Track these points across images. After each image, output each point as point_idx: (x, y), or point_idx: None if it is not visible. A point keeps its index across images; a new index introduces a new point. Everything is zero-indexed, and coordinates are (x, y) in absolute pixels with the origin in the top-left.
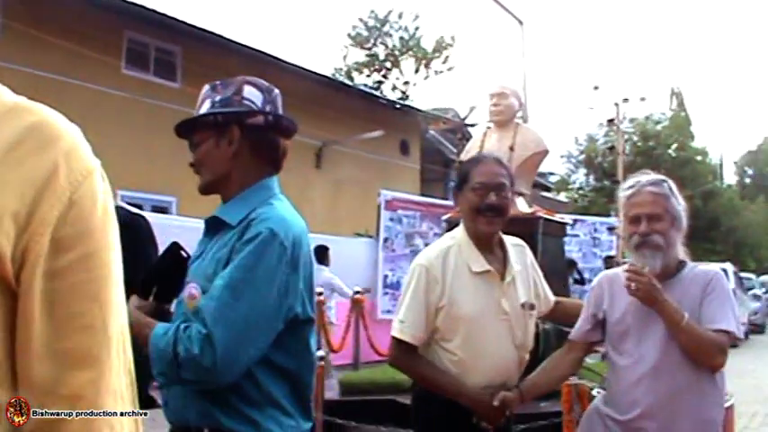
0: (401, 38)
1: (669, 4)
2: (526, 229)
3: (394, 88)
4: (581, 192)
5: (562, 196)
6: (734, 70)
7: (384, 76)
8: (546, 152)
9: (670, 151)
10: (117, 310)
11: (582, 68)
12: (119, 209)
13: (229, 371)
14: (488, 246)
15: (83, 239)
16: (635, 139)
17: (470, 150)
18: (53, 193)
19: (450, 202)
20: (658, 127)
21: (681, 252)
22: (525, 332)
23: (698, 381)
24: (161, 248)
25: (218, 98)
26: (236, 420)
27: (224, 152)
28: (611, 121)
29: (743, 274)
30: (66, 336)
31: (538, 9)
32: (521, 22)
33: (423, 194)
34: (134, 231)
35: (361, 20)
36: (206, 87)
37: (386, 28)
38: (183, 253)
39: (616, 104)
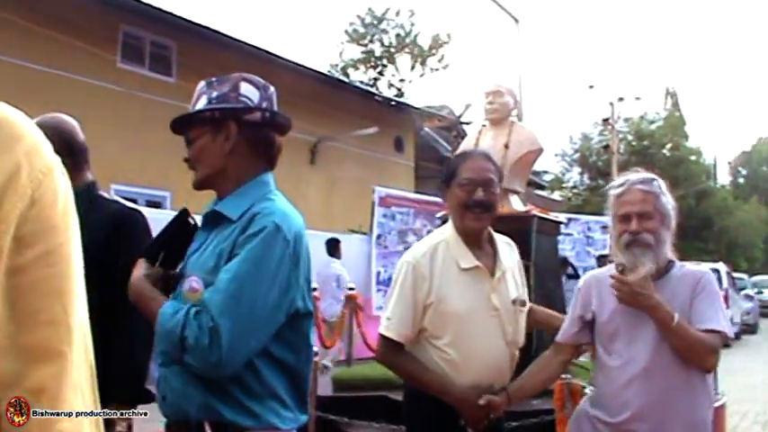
0: (397, 35)
1: (665, 3)
2: (520, 227)
3: (390, 85)
4: (575, 190)
5: (556, 195)
6: (728, 71)
7: (380, 73)
8: (541, 150)
9: (664, 151)
10: (78, 304)
11: (577, 67)
12: (116, 204)
13: (232, 363)
14: (477, 242)
15: (44, 236)
16: (629, 138)
17: (465, 149)
18: (14, 193)
19: None
20: (653, 126)
21: (669, 251)
22: (516, 328)
23: (689, 382)
24: None
25: (214, 94)
26: (238, 412)
27: (220, 148)
28: (605, 120)
29: (735, 275)
30: (29, 330)
31: (534, 7)
32: (516, 21)
33: (417, 192)
34: (131, 226)
35: (358, 16)
36: (201, 83)
37: (382, 25)
38: (190, 220)
39: (611, 104)
